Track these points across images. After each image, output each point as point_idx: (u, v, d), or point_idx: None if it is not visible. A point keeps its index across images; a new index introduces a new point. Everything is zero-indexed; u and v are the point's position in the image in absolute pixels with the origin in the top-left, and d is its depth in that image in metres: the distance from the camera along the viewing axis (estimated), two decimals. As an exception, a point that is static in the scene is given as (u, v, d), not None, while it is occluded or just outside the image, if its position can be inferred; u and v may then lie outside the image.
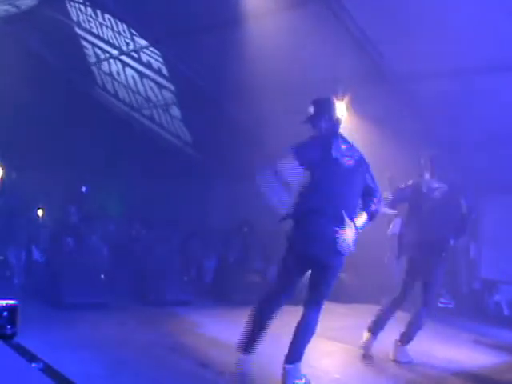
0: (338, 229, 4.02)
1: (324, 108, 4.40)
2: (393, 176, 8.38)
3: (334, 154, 4.20)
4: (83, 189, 9.77)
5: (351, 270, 8.98)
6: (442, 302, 8.79)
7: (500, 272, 8.79)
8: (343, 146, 4.28)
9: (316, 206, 4.10)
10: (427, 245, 5.34)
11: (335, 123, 4.36)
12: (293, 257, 4.18)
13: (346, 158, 4.24)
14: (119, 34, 10.24)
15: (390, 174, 8.38)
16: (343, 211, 4.06)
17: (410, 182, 5.71)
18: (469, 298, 9.00)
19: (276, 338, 4.34)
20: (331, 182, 4.16)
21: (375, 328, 5.37)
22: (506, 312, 8.46)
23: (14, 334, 1.65)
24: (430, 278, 5.31)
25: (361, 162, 4.29)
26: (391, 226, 8.99)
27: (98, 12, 9.93)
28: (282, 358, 4.06)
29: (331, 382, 4.51)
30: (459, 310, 8.61)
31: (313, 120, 4.36)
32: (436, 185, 5.58)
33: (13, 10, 9.30)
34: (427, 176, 5.62)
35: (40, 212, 9.78)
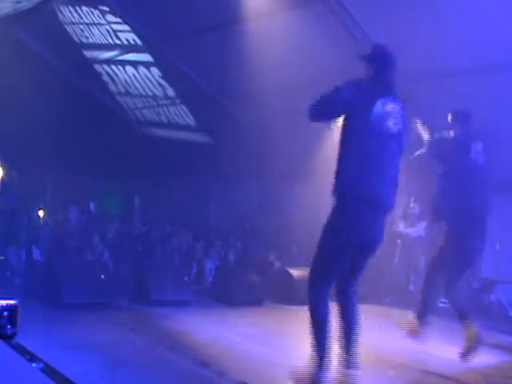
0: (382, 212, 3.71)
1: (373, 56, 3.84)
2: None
3: (376, 110, 3.61)
4: (91, 205, 9.85)
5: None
6: (441, 302, 8.78)
7: (500, 272, 8.78)
8: (391, 106, 3.72)
9: (359, 187, 3.63)
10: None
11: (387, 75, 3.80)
12: (346, 244, 3.74)
13: (392, 121, 3.70)
14: (119, 34, 10.26)
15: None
16: (386, 192, 3.69)
17: (449, 134, 4.89)
18: (469, 297, 8.99)
19: (280, 339, 4.32)
20: (371, 151, 3.63)
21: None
22: (506, 311, 8.45)
23: (14, 334, 1.65)
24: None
25: (405, 130, 3.76)
26: (414, 228, 8.99)
27: (98, 13, 9.95)
28: (289, 360, 3.99)
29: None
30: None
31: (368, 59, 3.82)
32: (479, 146, 4.90)
33: (13, 8, 9.29)
34: (460, 135, 4.82)
35: (41, 212, 9.79)
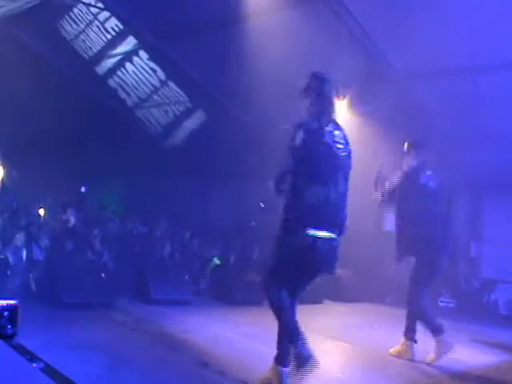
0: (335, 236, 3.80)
1: (318, 84, 3.96)
2: (381, 169, 8.38)
3: (327, 139, 3.79)
4: (82, 189, 9.78)
5: (351, 268, 8.98)
6: (442, 302, 8.79)
7: (500, 272, 8.78)
8: (336, 132, 3.89)
9: (315, 214, 3.72)
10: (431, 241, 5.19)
11: (328, 103, 3.94)
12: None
13: (340, 146, 3.85)
14: (119, 34, 10.25)
15: (379, 168, 8.39)
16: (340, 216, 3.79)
17: (399, 172, 5.43)
18: (469, 297, 9.00)
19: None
20: (328, 177, 3.76)
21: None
22: (505, 311, 8.45)
23: (14, 334, 1.65)
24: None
25: (350, 154, 3.92)
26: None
27: (86, 9, 9.96)
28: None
29: (332, 380, 4.50)
30: (459, 309, 8.60)
31: (307, 93, 3.97)
32: (429, 172, 5.41)
33: (13, 8, 9.29)
34: (414, 163, 5.37)
35: (41, 211, 9.78)
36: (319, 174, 3.78)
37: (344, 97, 8.52)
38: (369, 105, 8.27)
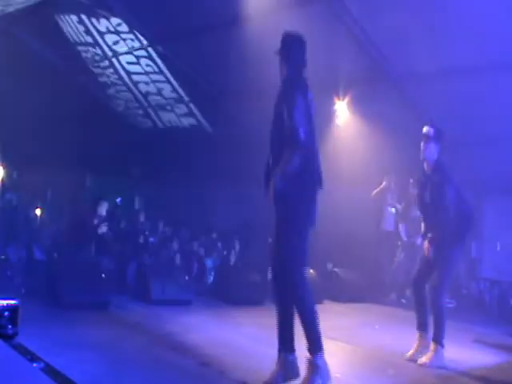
0: None
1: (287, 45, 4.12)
2: (390, 179, 8.42)
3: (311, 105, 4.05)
4: (118, 200, 9.86)
5: (351, 268, 8.99)
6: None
7: (500, 272, 8.78)
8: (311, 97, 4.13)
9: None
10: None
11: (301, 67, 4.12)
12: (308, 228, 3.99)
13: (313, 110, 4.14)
14: (119, 33, 10.24)
15: (388, 178, 8.43)
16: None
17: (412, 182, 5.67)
18: (469, 297, 9.00)
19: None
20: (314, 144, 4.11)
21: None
22: (505, 311, 8.45)
23: (15, 334, 1.65)
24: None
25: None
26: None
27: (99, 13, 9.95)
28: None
29: (332, 381, 4.49)
30: (460, 309, 8.60)
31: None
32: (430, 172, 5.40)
33: (12, 8, 9.30)
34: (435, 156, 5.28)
35: (39, 211, 9.79)
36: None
37: (344, 98, 8.55)
38: (369, 106, 8.27)
